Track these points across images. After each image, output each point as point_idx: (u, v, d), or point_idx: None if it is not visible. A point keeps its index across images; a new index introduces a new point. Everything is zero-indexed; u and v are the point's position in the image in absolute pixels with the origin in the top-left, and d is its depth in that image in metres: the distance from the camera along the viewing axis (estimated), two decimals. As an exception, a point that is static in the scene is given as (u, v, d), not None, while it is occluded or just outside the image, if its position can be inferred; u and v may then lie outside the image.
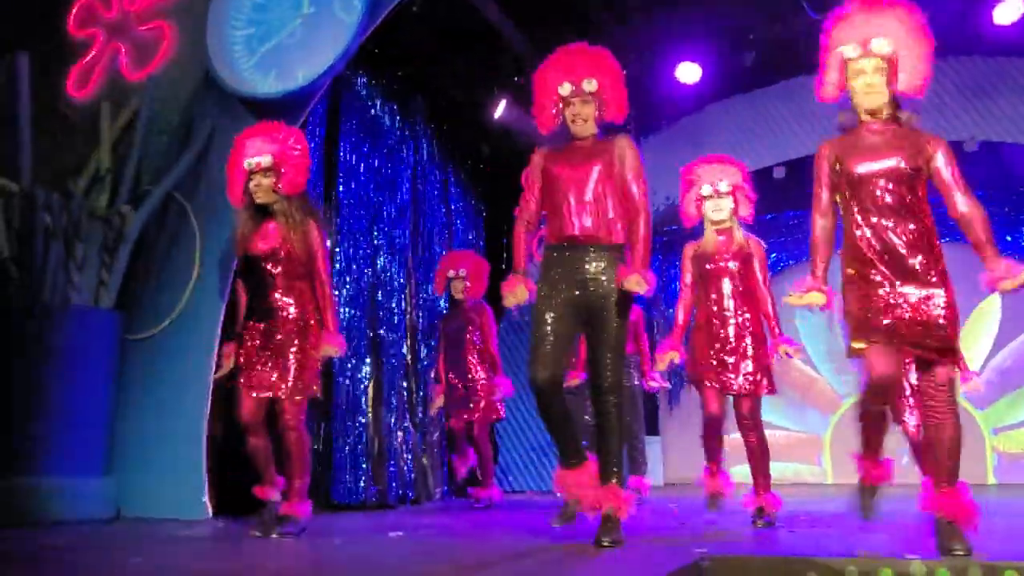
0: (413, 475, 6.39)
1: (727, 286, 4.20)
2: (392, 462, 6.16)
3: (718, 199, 4.20)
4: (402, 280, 6.61)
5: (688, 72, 7.30)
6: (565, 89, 3.36)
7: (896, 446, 5.58)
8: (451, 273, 5.97)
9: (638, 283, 3.19)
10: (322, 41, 5.03)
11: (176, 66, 5.46)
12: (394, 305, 6.48)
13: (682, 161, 4.52)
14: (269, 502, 3.84)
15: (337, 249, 5.99)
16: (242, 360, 3.84)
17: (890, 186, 2.96)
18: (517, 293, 3.32)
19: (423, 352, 6.78)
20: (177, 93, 5.41)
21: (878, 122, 3.03)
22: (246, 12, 5.27)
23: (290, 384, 3.76)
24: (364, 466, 5.90)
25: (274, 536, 3.65)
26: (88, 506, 4.57)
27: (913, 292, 2.93)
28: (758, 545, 3.33)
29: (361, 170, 6.31)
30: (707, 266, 4.25)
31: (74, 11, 5.82)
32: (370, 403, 6.08)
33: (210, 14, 5.29)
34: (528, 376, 3.30)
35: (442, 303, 6.92)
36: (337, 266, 5.95)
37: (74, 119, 5.56)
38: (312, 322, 3.87)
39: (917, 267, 2.94)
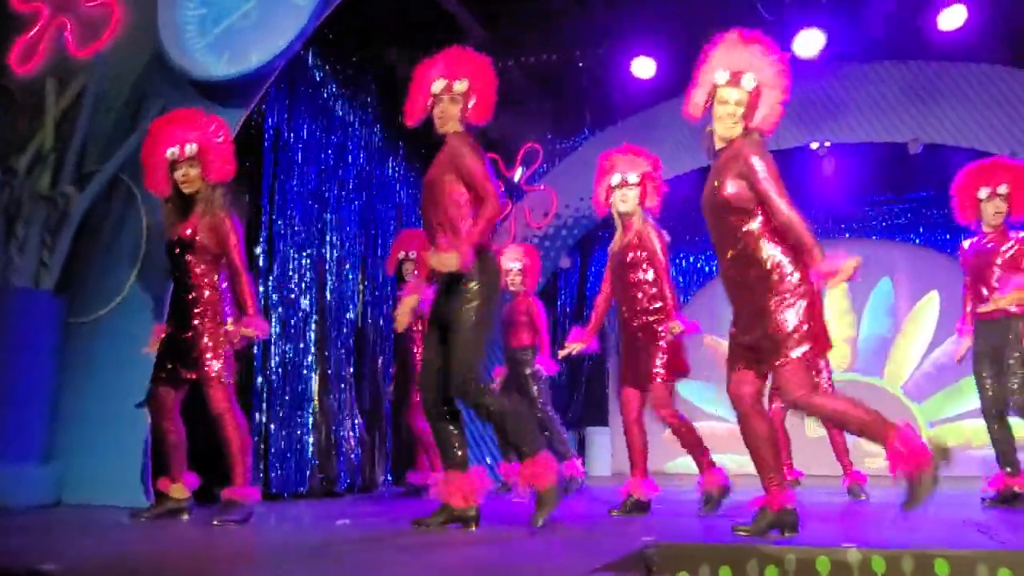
0: (360, 463, 6.38)
1: (632, 278, 4.26)
2: (340, 450, 6.14)
3: (625, 189, 4.28)
4: (352, 265, 6.57)
5: (643, 67, 7.35)
6: (437, 86, 3.51)
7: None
8: (402, 254, 5.95)
9: (447, 258, 3.23)
10: (277, 23, 4.97)
11: (125, 44, 5.33)
12: (343, 290, 6.45)
13: (635, 156, 4.56)
14: (166, 496, 3.82)
15: (286, 233, 5.93)
16: (160, 346, 3.89)
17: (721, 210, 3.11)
18: (403, 310, 3.55)
19: (372, 338, 6.76)
20: (126, 71, 5.28)
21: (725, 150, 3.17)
22: (198, -9, 5.17)
23: (213, 368, 3.78)
24: (312, 455, 5.86)
25: (216, 523, 3.61)
26: (28, 493, 4.47)
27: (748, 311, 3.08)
28: (703, 533, 3.40)
29: (312, 153, 6.25)
30: (617, 260, 4.33)
31: (17, -16, 5.64)
32: (316, 391, 6.04)
33: (161, -8, 5.18)
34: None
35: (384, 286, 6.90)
36: (284, 249, 5.90)
37: (17, 95, 5.40)
38: (226, 308, 3.89)
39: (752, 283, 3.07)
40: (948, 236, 9.14)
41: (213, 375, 3.78)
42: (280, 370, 5.74)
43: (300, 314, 5.94)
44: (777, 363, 3.00)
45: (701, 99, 3.21)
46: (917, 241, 9.65)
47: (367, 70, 6.84)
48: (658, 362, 4.18)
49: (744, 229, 3.07)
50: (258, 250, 5.65)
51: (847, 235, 9.79)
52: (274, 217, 5.81)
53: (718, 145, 3.21)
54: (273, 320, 5.72)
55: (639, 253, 4.25)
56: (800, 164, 9.37)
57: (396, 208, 7.32)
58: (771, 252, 3.04)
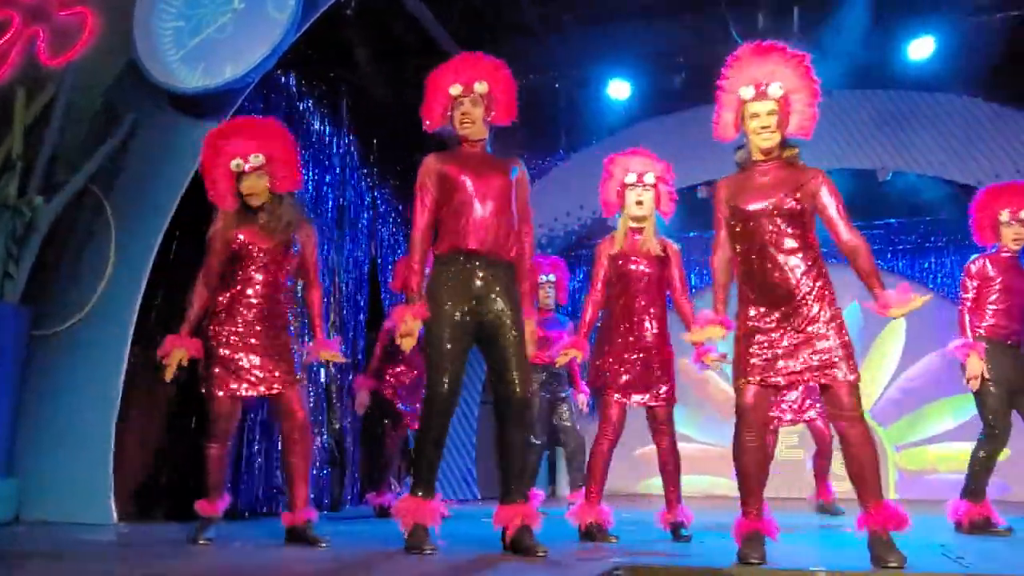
0: (330, 482, 6.31)
1: (641, 289, 4.04)
2: (318, 469, 6.06)
3: (642, 189, 4.07)
4: (327, 286, 6.51)
5: (619, 89, 7.42)
6: (456, 89, 3.44)
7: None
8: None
9: (534, 335, 3.44)
10: (253, 38, 4.94)
11: (98, 54, 5.27)
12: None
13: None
14: (211, 517, 3.68)
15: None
16: (222, 358, 3.65)
17: (779, 223, 3.06)
18: (412, 326, 3.26)
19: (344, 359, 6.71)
20: (98, 81, 5.23)
21: (770, 162, 3.13)
22: (176, 4, 5.14)
23: (290, 375, 3.68)
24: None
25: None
26: (-16, 508, 4.36)
27: (801, 329, 3.07)
28: (673, 556, 3.38)
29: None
30: (623, 267, 4.06)
31: (-11, -8, 5.58)
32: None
33: (137, 3, 5.14)
34: (429, 392, 3.26)
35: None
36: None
37: (-15, 103, 5.32)
38: (292, 320, 3.84)
39: (807, 303, 3.07)
40: (917, 262, 9.29)
41: (295, 380, 3.69)
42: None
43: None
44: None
45: (730, 119, 3.17)
46: (885, 267, 9.79)
47: (343, 86, 6.82)
48: (672, 380, 4.07)
49: (800, 242, 3.07)
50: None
51: (817, 260, 9.90)
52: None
53: (756, 157, 3.16)
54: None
55: (661, 267, 4.08)
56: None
57: (371, 231, 7.24)
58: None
